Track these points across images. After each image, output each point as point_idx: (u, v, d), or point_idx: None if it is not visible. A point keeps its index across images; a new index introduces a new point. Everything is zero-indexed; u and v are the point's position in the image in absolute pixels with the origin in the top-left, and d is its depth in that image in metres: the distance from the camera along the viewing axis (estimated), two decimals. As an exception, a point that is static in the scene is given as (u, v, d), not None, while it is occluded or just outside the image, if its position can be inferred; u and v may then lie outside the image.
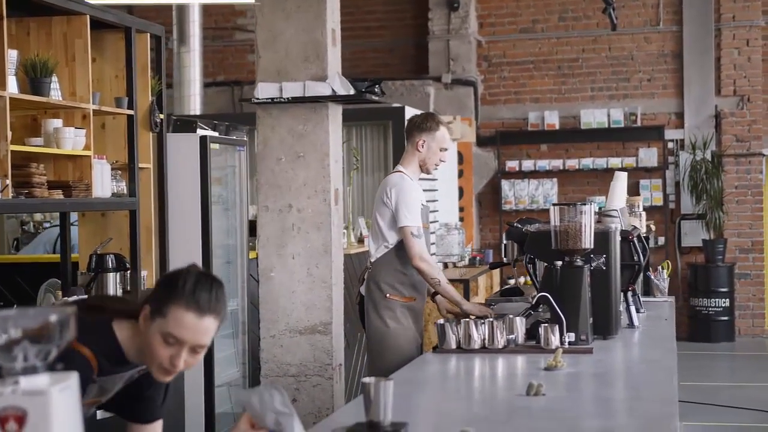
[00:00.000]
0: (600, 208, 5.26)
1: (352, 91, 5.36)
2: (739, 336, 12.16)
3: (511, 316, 4.21)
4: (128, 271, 5.47)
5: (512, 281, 9.81)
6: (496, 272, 10.60)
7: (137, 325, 2.59)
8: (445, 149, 5.18)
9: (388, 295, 5.06)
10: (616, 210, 5.09)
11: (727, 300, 11.93)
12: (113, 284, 5.31)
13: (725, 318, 11.95)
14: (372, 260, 5.19)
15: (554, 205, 4.30)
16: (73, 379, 1.74)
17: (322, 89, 5.31)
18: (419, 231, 4.98)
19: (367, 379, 2.67)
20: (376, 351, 5.10)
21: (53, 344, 1.72)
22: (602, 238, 4.37)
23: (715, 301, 11.91)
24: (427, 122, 5.16)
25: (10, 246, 8.81)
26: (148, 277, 5.74)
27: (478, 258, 10.43)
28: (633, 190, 12.07)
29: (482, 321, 4.15)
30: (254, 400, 2.37)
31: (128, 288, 5.50)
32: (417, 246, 4.95)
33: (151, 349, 2.54)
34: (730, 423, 7.98)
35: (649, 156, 12.34)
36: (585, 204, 4.26)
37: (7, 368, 1.70)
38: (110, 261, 5.32)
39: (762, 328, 12.32)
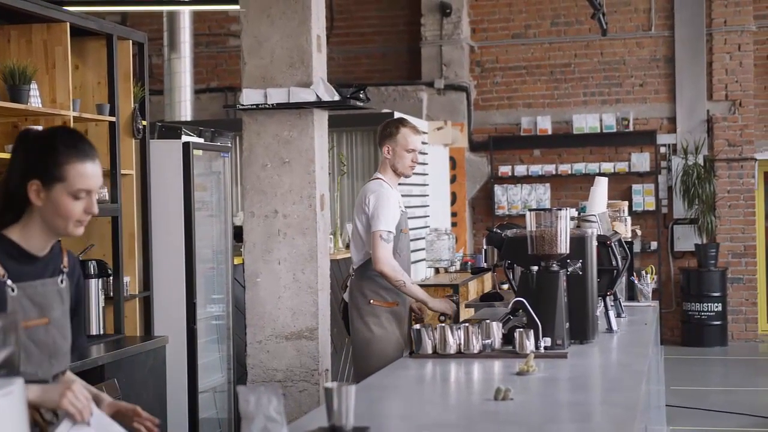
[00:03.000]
0: (579, 213, 5.28)
1: (336, 97, 5.37)
2: (732, 340, 12.16)
3: (487, 321, 4.22)
4: (110, 278, 5.49)
5: (506, 286, 9.81)
6: (488, 277, 10.60)
7: (26, 218, 2.67)
8: (412, 150, 5.22)
9: (372, 301, 5.12)
10: (594, 215, 5.10)
11: (720, 304, 11.94)
12: (95, 291, 5.31)
13: (718, 322, 11.95)
14: (354, 267, 5.23)
15: (530, 210, 4.31)
16: (17, 385, 1.75)
17: (306, 95, 5.32)
18: (389, 236, 5.04)
19: (329, 385, 2.70)
20: (360, 357, 5.15)
21: (-4, 350, 1.74)
22: (578, 243, 4.38)
23: (708, 306, 11.91)
24: (387, 128, 5.26)
25: None
26: (131, 283, 5.75)
27: (470, 263, 10.44)
28: (625, 194, 12.11)
29: (458, 326, 4.16)
30: (251, 398, 2.38)
31: (111, 294, 5.51)
32: (382, 250, 5.02)
33: (62, 212, 2.65)
34: (721, 428, 7.98)
35: (641, 161, 12.34)
36: (561, 209, 4.27)
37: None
38: (92, 267, 5.33)
39: (755, 333, 12.32)
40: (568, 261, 4.32)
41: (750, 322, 12.33)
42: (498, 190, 12.63)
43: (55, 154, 2.63)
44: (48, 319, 2.70)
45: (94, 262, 5.37)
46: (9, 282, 2.61)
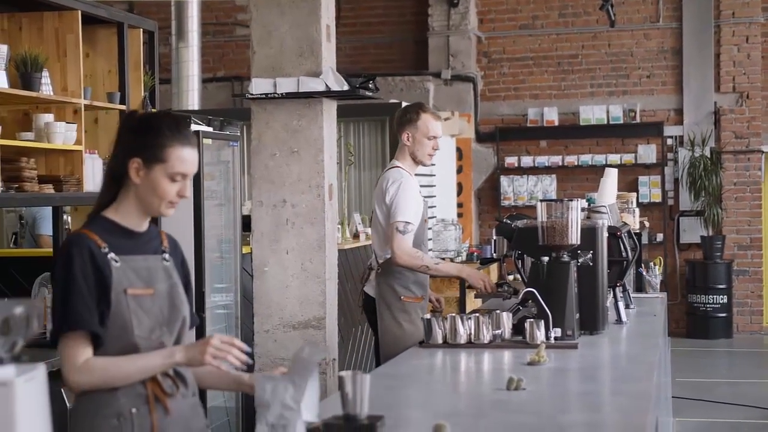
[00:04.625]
0: (589, 204, 5.27)
1: (345, 87, 5.36)
2: (737, 332, 12.17)
3: (498, 311, 4.22)
4: (120, 265, 5.49)
5: (511, 277, 9.80)
6: (495, 267, 10.61)
7: (121, 197, 2.78)
8: (433, 137, 5.10)
9: (402, 297, 5.04)
10: (605, 206, 5.10)
11: (725, 296, 11.94)
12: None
13: (723, 315, 11.96)
14: (380, 261, 5.14)
15: (541, 200, 4.31)
16: (39, 370, 1.76)
17: (315, 85, 5.31)
18: (405, 227, 4.95)
19: (343, 373, 2.70)
20: (390, 353, 5.04)
21: (19, 336, 1.75)
22: (589, 233, 4.38)
23: (713, 298, 11.92)
24: (407, 114, 5.14)
25: (9, 240, 8.83)
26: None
27: (476, 254, 10.43)
28: (632, 186, 12.10)
29: (468, 316, 4.17)
30: (268, 387, 2.38)
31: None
32: (398, 242, 4.92)
33: (158, 192, 2.76)
34: (726, 419, 8.00)
35: (648, 152, 12.34)
36: (572, 200, 4.27)
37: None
38: (102, 256, 5.32)
39: (760, 325, 12.34)
40: (579, 252, 4.32)
41: (755, 314, 12.34)
42: (504, 181, 12.64)
43: (160, 136, 2.74)
44: (153, 290, 2.78)
45: (103, 250, 5.37)
46: (111, 255, 2.70)
